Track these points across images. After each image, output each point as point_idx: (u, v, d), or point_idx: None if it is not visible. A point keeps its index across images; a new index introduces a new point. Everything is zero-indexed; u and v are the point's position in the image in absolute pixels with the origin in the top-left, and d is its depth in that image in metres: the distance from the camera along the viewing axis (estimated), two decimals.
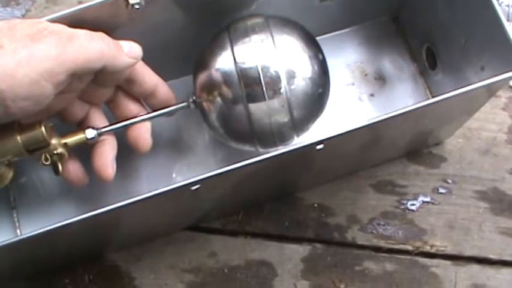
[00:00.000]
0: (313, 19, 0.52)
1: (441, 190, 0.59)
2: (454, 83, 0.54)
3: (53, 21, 0.43)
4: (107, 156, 0.49)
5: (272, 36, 0.47)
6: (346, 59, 0.61)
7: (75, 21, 0.44)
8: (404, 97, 0.60)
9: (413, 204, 0.58)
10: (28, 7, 0.64)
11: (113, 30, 0.47)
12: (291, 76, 0.47)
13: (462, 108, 0.53)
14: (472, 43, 0.50)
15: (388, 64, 0.61)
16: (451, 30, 0.53)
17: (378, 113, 0.59)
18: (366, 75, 0.61)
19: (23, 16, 0.64)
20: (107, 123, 0.50)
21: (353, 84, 0.61)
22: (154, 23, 0.49)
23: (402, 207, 0.58)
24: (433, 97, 0.58)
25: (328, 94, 0.50)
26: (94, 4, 0.45)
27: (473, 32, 0.49)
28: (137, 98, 0.52)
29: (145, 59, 0.48)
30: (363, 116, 0.59)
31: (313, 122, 0.50)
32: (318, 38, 0.51)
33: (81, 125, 0.50)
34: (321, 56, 0.50)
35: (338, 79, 0.60)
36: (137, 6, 0.46)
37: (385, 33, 0.62)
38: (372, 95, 0.60)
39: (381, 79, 0.61)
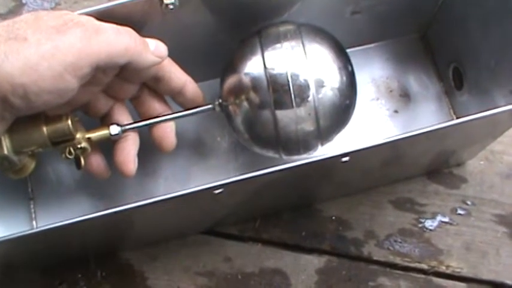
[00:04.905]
0: (342, 31, 0.52)
1: (460, 211, 0.58)
2: (480, 105, 0.53)
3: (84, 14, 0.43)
4: (129, 152, 0.49)
5: (303, 44, 0.47)
6: (372, 74, 0.61)
7: (106, 17, 0.44)
8: (428, 116, 0.60)
9: (431, 224, 0.58)
10: (58, 0, 0.64)
11: (142, 28, 0.47)
12: (320, 85, 0.47)
13: (486, 130, 0.52)
14: (502, 66, 0.50)
15: (414, 82, 0.61)
16: (480, 52, 0.52)
17: (401, 130, 0.59)
18: (391, 91, 0.61)
19: (52, 9, 0.64)
20: (131, 120, 0.50)
21: (378, 99, 0.60)
22: (184, 25, 0.49)
23: (420, 225, 0.58)
24: (457, 118, 0.58)
25: (354, 106, 0.50)
26: (128, 1, 0.45)
27: (504, 55, 0.49)
28: (162, 97, 0.51)
29: (172, 59, 0.48)
30: (385, 132, 0.59)
31: (338, 132, 0.50)
32: None
33: (105, 119, 0.50)
34: (350, 68, 0.49)
35: (363, 93, 0.60)
36: (171, 7, 0.46)
37: (412, 51, 0.62)
38: (395, 111, 0.60)
39: (405, 96, 0.60)
